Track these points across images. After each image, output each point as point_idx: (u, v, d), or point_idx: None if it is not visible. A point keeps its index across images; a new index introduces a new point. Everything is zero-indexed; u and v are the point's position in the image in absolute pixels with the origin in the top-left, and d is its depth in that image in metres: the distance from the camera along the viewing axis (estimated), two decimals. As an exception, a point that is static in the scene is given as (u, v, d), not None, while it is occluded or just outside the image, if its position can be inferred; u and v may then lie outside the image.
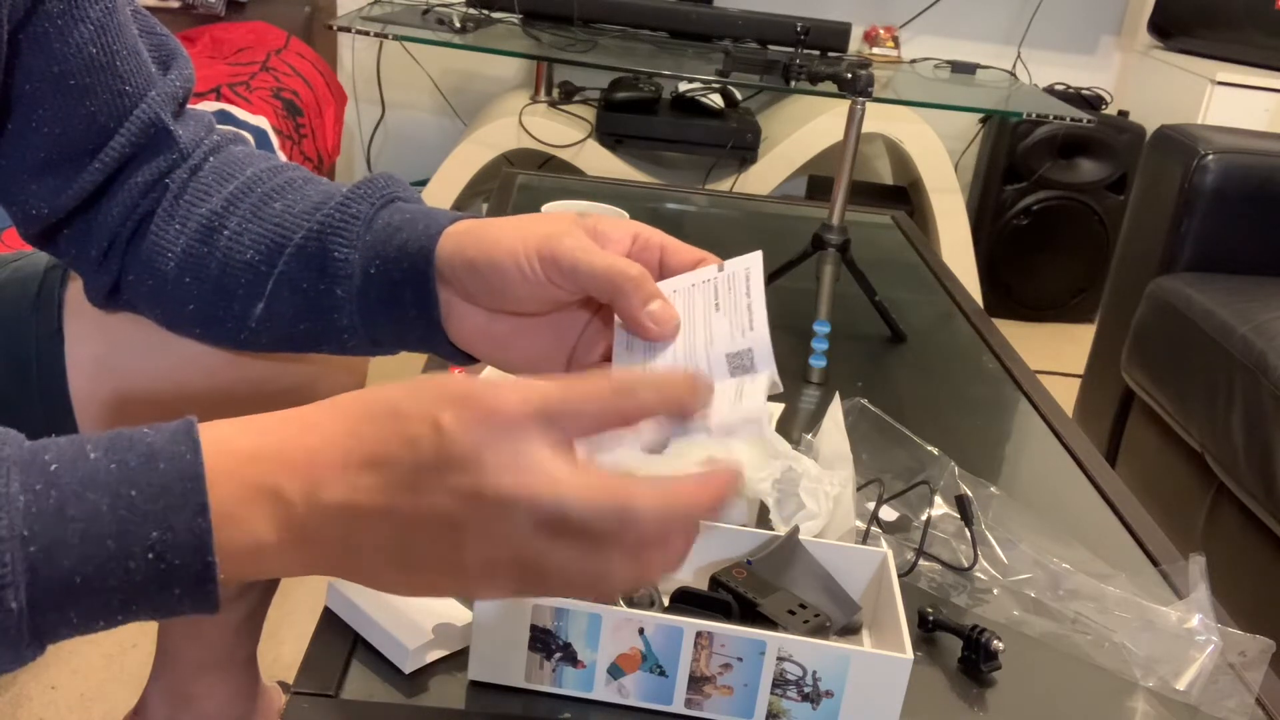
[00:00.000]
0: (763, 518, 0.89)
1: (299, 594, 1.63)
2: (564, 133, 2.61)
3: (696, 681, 0.70)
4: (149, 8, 1.54)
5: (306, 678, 0.71)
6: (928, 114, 2.72)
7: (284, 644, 1.55)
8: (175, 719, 1.09)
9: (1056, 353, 2.85)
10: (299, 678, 0.71)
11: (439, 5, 2.66)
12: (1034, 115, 2.64)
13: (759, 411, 0.54)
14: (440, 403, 0.49)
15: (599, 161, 2.63)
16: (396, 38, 2.47)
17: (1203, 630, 0.84)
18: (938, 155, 2.72)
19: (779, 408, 1.11)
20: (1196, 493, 1.70)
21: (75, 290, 0.85)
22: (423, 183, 2.71)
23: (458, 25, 2.51)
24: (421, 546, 0.50)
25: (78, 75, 0.70)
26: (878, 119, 2.64)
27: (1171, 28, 2.90)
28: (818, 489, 0.88)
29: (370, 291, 0.67)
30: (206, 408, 0.87)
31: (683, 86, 2.76)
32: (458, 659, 0.74)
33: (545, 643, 0.70)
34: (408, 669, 0.72)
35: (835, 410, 1.01)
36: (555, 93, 2.79)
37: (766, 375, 0.57)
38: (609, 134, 2.66)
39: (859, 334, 1.38)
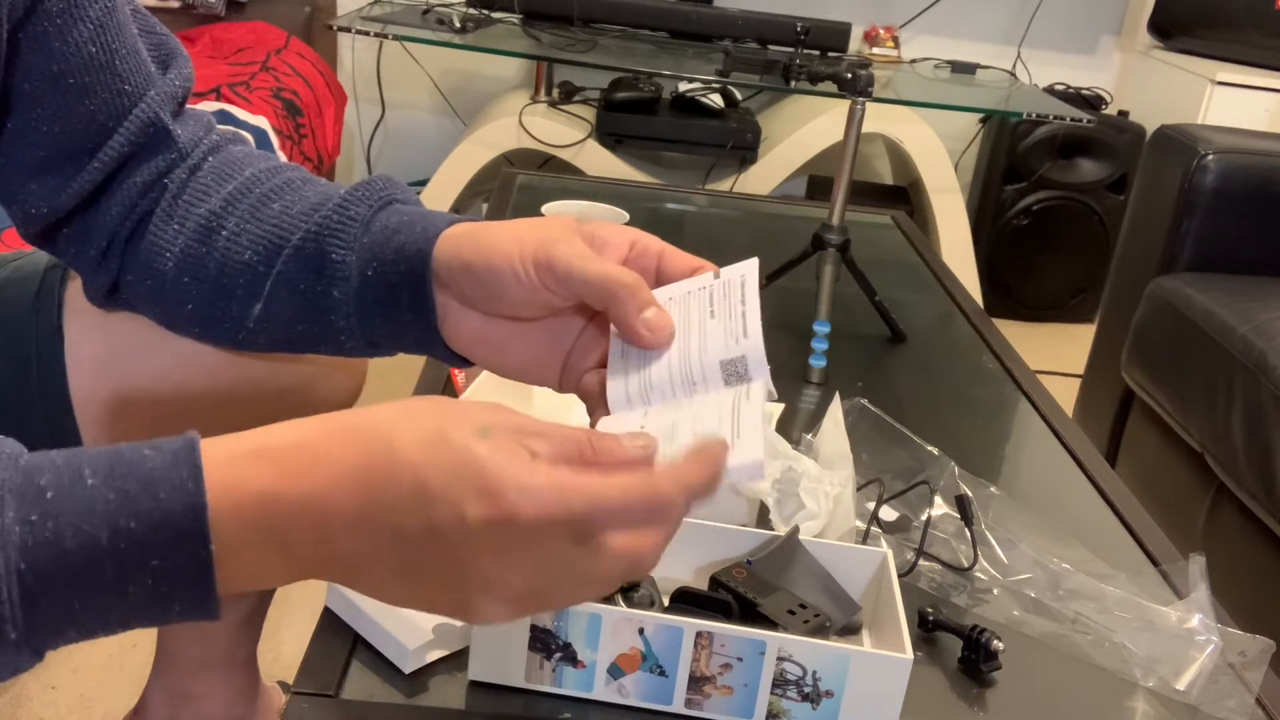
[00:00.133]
0: (763, 518, 0.89)
1: (299, 594, 1.63)
2: (564, 133, 2.61)
3: (696, 681, 0.70)
4: (149, 7, 1.54)
5: (306, 678, 0.71)
6: (928, 114, 2.71)
7: (284, 644, 1.55)
8: (175, 719, 1.09)
9: (1056, 353, 2.85)
10: (299, 678, 0.71)
11: (439, 5, 2.66)
12: (1034, 115, 2.64)
13: (758, 455, 0.54)
14: (469, 494, 0.48)
15: (599, 161, 2.63)
16: (396, 38, 2.47)
17: (1203, 630, 0.84)
18: (938, 155, 2.72)
19: (779, 407, 1.11)
20: (1196, 493, 1.70)
21: (75, 290, 0.85)
22: (423, 183, 2.71)
23: (458, 25, 2.51)
24: (429, 583, 0.51)
25: (77, 74, 0.70)
26: (878, 119, 2.64)
27: (1171, 28, 2.90)
28: (818, 489, 0.88)
29: (367, 294, 0.67)
30: (206, 407, 0.87)
31: (683, 86, 2.76)
32: (458, 659, 0.74)
33: (545, 643, 0.70)
34: (408, 669, 0.72)
35: (835, 410, 1.01)
36: (555, 93, 2.79)
37: (761, 392, 0.57)
38: (609, 134, 2.66)
39: (859, 334, 1.38)
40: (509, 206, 1.74)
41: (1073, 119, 2.50)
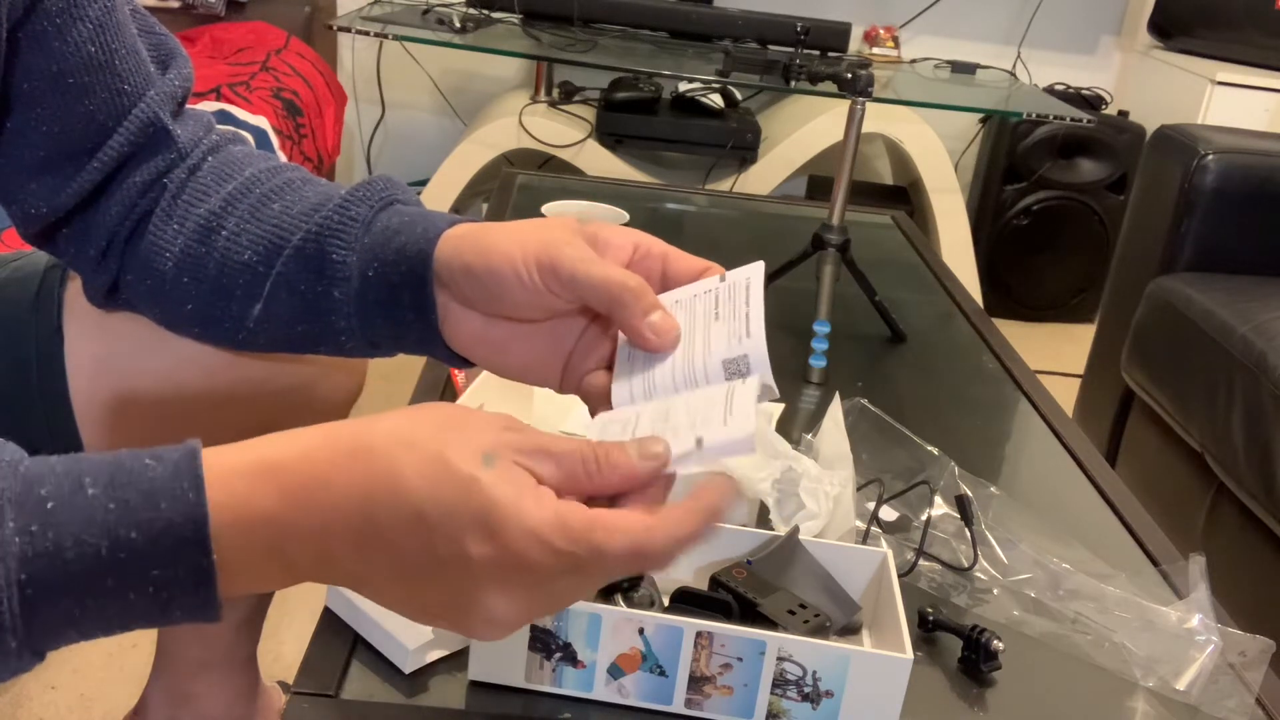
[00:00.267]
0: (763, 518, 0.89)
1: (299, 594, 1.63)
2: (564, 133, 2.61)
3: (696, 681, 0.70)
4: (149, 7, 1.54)
5: (306, 678, 0.71)
6: (928, 114, 2.71)
7: (284, 644, 1.55)
8: (175, 718, 1.09)
9: (1056, 353, 2.85)
10: (299, 678, 0.71)
11: (439, 5, 2.66)
12: (1034, 115, 2.64)
13: (749, 429, 0.54)
14: (472, 530, 0.48)
15: (599, 161, 2.63)
16: (396, 38, 2.47)
17: (1203, 630, 0.84)
18: (938, 155, 2.72)
19: (779, 408, 1.11)
20: (1196, 493, 1.70)
21: (75, 290, 0.85)
22: (423, 183, 2.71)
23: (458, 25, 2.51)
24: (430, 603, 0.51)
25: (76, 74, 0.70)
26: (878, 119, 2.64)
27: (1171, 28, 2.90)
28: (818, 489, 0.88)
29: (368, 294, 0.67)
30: (206, 408, 0.87)
31: (683, 86, 2.76)
32: (458, 659, 0.74)
33: (545, 643, 0.70)
34: (408, 669, 0.72)
35: (835, 410, 1.01)
36: (555, 93, 2.79)
37: (756, 380, 0.57)
38: (609, 134, 2.66)
39: (859, 334, 1.38)
40: (509, 206, 1.74)
41: (1073, 119, 2.50)
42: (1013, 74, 3.01)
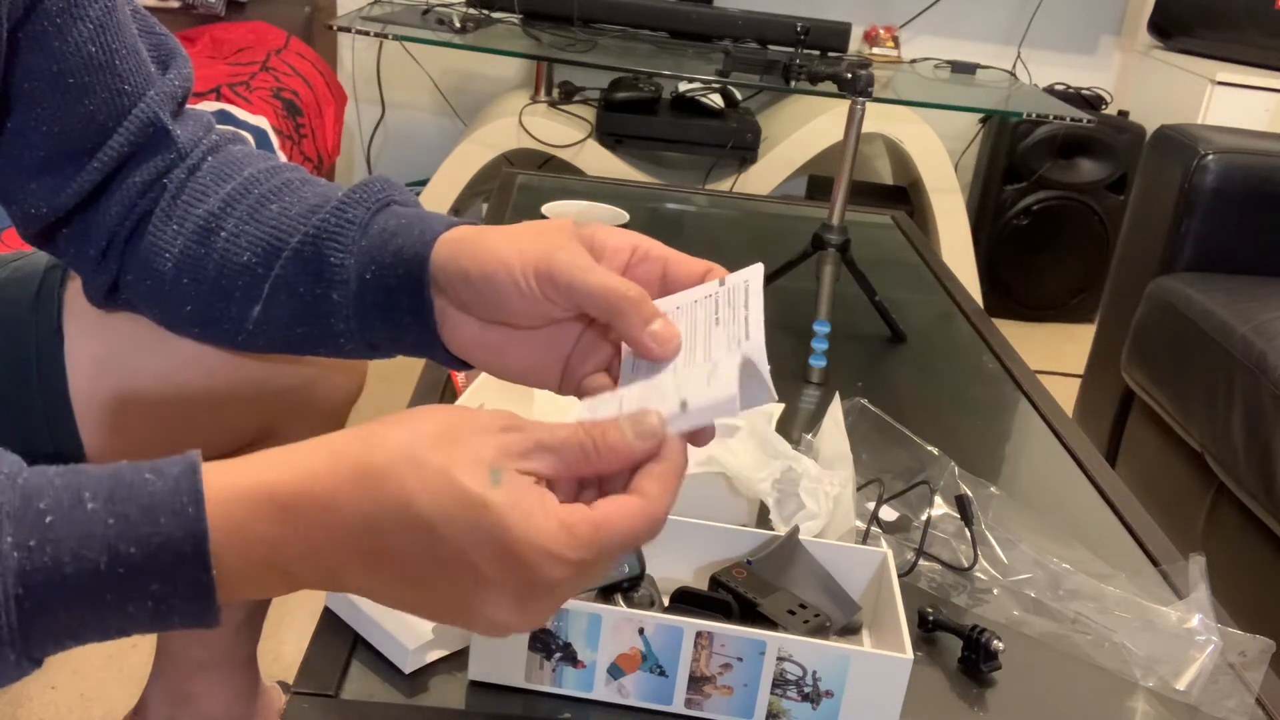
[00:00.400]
0: (763, 518, 0.89)
1: (299, 594, 1.62)
2: (564, 133, 2.61)
3: (696, 681, 0.70)
4: (149, 8, 1.54)
5: (306, 678, 0.71)
6: (928, 114, 2.71)
7: (284, 644, 1.55)
8: (175, 718, 1.09)
9: (1056, 353, 2.85)
10: (299, 678, 0.71)
11: (439, 5, 2.66)
12: (1034, 115, 2.64)
13: (731, 389, 0.54)
14: (486, 553, 0.49)
15: (599, 161, 2.63)
16: (396, 38, 2.47)
17: (1203, 630, 0.84)
18: (938, 155, 2.72)
19: (779, 408, 1.11)
20: (1196, 493, 1.70)
21: (75, 290, 0.85)
22: (423, 183, 2.71)
23: (458, 25, 2.51)
24: (438, 610, 0.52)
25: (77, 74, 0.70)
26: (878, 119, 2.64)
27: (1171, 28, 2.90)
28: (818, 489, 0.88)
29: (366, 297, 0.67)
30: (206, 408, 0.87)
31: (683, 86, 2.76)
32: (458, 659, 0.74)
33: (545, 643, 0.70)
34: (408, 669, 0.72)
35: (835, 410, 1.01)
36: (555, 93, 2.79)
37: (739, 356, 0.57)
38: (609, 134, 2.66)
39: (859, 334, 1.38)
40: (509, 206, 1.74)
41: (1073, 119, 2.50)
42: (1013, 74, 3.01)
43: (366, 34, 2.43)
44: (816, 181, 3.04)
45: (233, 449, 0.93)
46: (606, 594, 0.76)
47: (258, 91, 2.21)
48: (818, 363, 1.24)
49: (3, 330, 0.84)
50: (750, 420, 0.92)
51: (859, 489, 0.95)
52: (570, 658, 0.70)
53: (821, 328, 1.24)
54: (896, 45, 2.98)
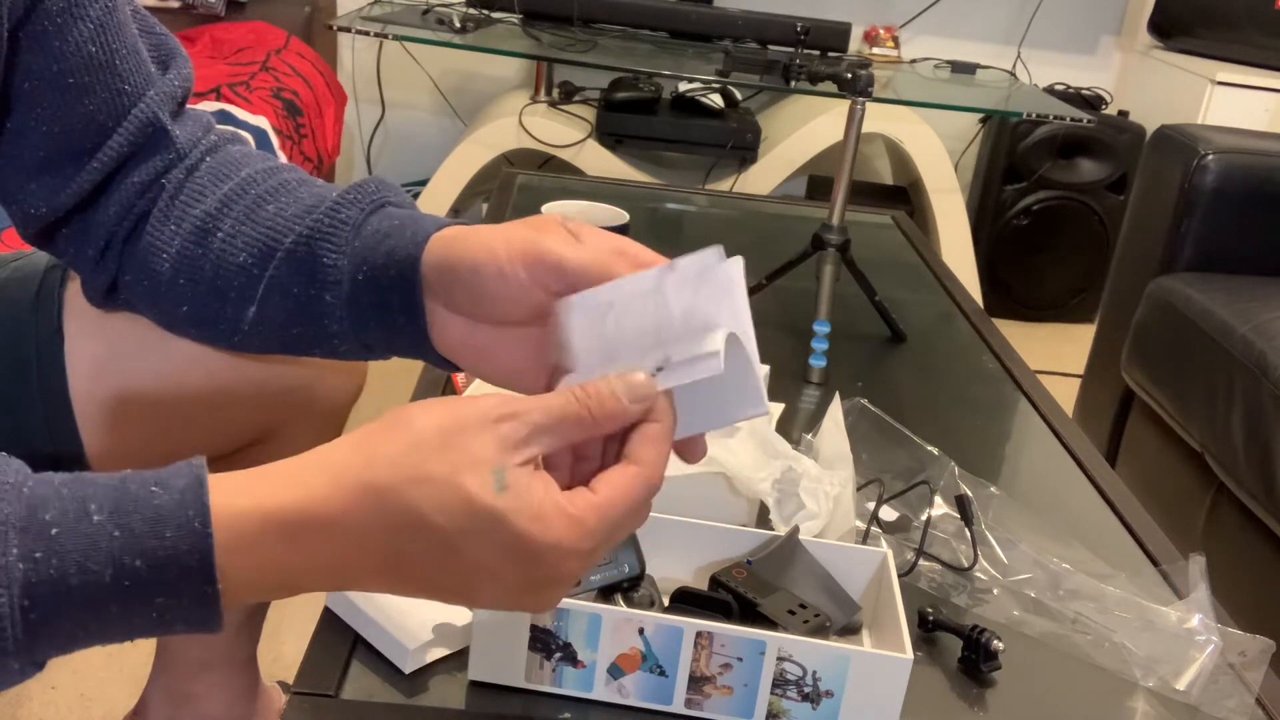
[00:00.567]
0: (763, 518, 0.89)
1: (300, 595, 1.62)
2: (564, 133, 2.61)
3: (696, 681, 0.70)
4: (149, 8, 1.54)
5: (306, 678, 0.71)
6: (928, 114, 2.71)
7: (284, 644, 1.55)
8: (175, 718, 1.09)
9: (1056, 353, 2.85)
10: (299, 678, 0.71)
11: (439, 5, 2.66)
12: (1034, 115, 2.64)
13: (716, 344, 0.54)
14: (505, 558, 0.50)
15: (599, 161, 2.63)
16: (396, 38, 2.47)
17: (1203, 630, 0.84)
18: (938, 155, 2.72)
19: (779, 407, 1.11)
20: (1196, 493, 1.70)
21: (75, 290, 0.85)
22: (423, 183, 2.71)
23: (458, 25, 2.51)
24: (457, 599, 0.54)
25: (77, 74, 0.70)
26: (878, 119, 2.64)
27: (1171, 28, 2.90)
28: (818, 489, 0.88)
29: (359, 298, 0.67)
30: (207, 408, 0.87)
31: (683, 86, 2.76)
32: (458, 659, 0.74)
33: (545, 643, 0.70)
34: (408, 669, 0.72)
35: (835, 410, 1.01)
36: (555, 93, 2.79)
37: (723, 330, 0.56)
38: (609, 134, 2.66)
39: (859, 334, 1.38)
40: (509, 206, 1.74)
41: (1073, 119, 2.50)
42: (1013, 74, 3.01)
43: (366, 34, 2.43)
44: (816, 181, 3.04)
45: (233, 449, 0.93)
46: (606, 594, 0.76)
47: (258, 91, 2.21)
48: (818, 363, 1.24)
49: (3, 330, 0.84)
50: (750, 420, 0.91)
51: (859, 489, 0.95)
52: (570, 658, 0.70)
53: (821, 328, 1.24)
54: (896, 45, 2.98)
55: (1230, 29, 2.78)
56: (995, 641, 0.79)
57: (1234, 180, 1.82)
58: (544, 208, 1.35)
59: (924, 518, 0.95)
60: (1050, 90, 3.02)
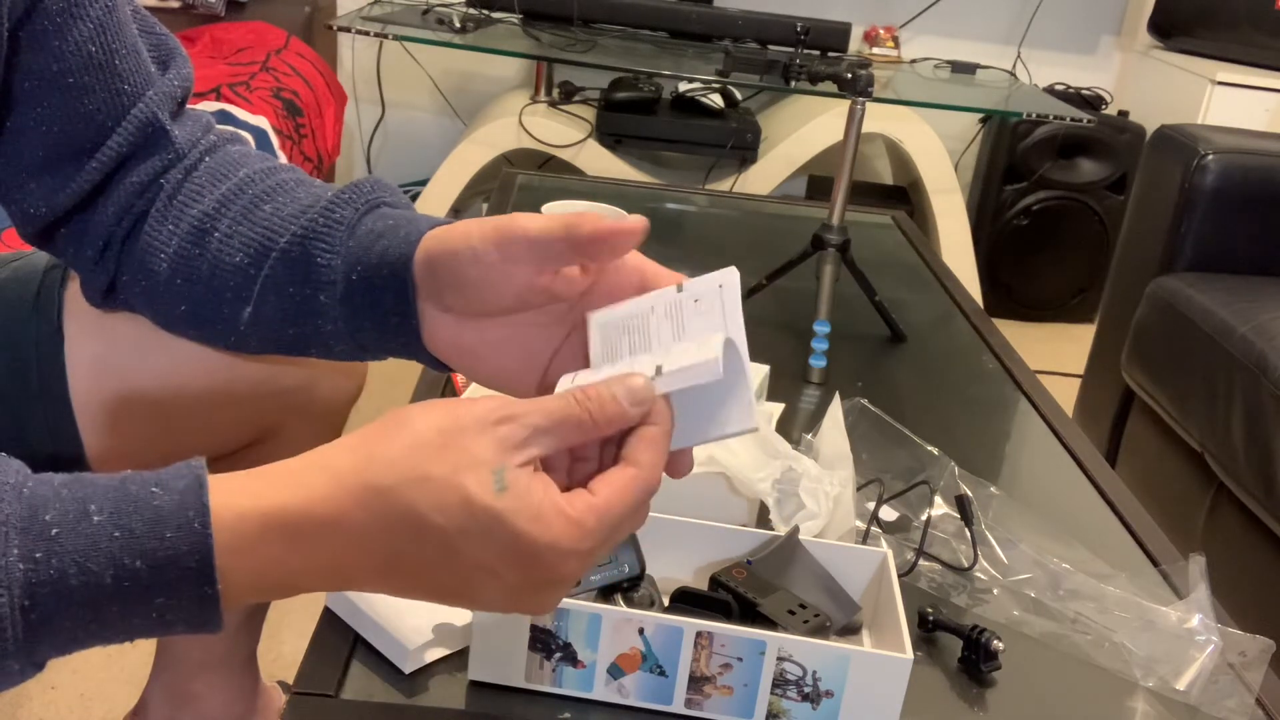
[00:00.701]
0: (763, 518, 0.89)
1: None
2: (564, 133, 2.61)
3: (696, 681, 0.70)
4: (149, 7, 1.54)
5: (306, 678, 0.71)
6: (928, 114, 2.71)
7: (284, 644, 1.55)
8: (175, 718, 1.09)
9: (1056, 353, 2.85)
10: (299, 678, 0.71)
11: (439, 5, 2.66)
12: (1034, 115, 2.64)
13: (714, 351, 0.55)
14: (505, 560, 0.50)
15: (599, 161, 2.63)
16: (396, 38, 2.47)
17: (1203, 630, 0.84)
18: (938, 155, 2.72)
19: (779, 407, 1.11)
20: (1196, 493, 1.70)
21: (75, 290, 0.85)
22: (423, 183, 2.71)
23: (458, 25, 2.51)
24: (458, 601, 0.54)
25: (77, 74, 0.70)
26: (878, 119, 2.64)
27: (1171, 28, 2.90)
28: (818, 489, 0.88)
29: (353, 298, 0.66)
30: (206, 407, 0.87)
31: (683, 86, 2.76)
32: (458, 659, 0.74)
33: (545, 643, 0.70)
34: (408, 669, 0.72)
35: (835, 410, 1.01)
36: (555, 93, 2.79)
37: (721, 336, 0.56)
38: (609, 134, 2.66)
39: (859, 334, 1.38)
40: (509, 206, 1.74)
41: (1073, 119, 2.50)
42: (1013, 74, 3.01)
43: (366, 34, 2.43)
44: (816, 181, 3.04)
45: (233, 449, 0.93)
46: (606, 594, 0.76)
47: (258, 91, 2.21)
48: (818, 363, 1.24)
49: (3, 330, 0.84)
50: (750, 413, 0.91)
51: (859, 489, 0.95)
52: (570, 658, 0.70)
53: (821, 328, 1.24)
54: (896, 45, 2.98)
55: (1230, 29, 2.78)
56: (995, 641, 0.79)
57: (1234, 180, 1.82)
58: (544, 208, 1.35)
59: (924, 518, 0.95)
60: (1050, 90, 3.02)
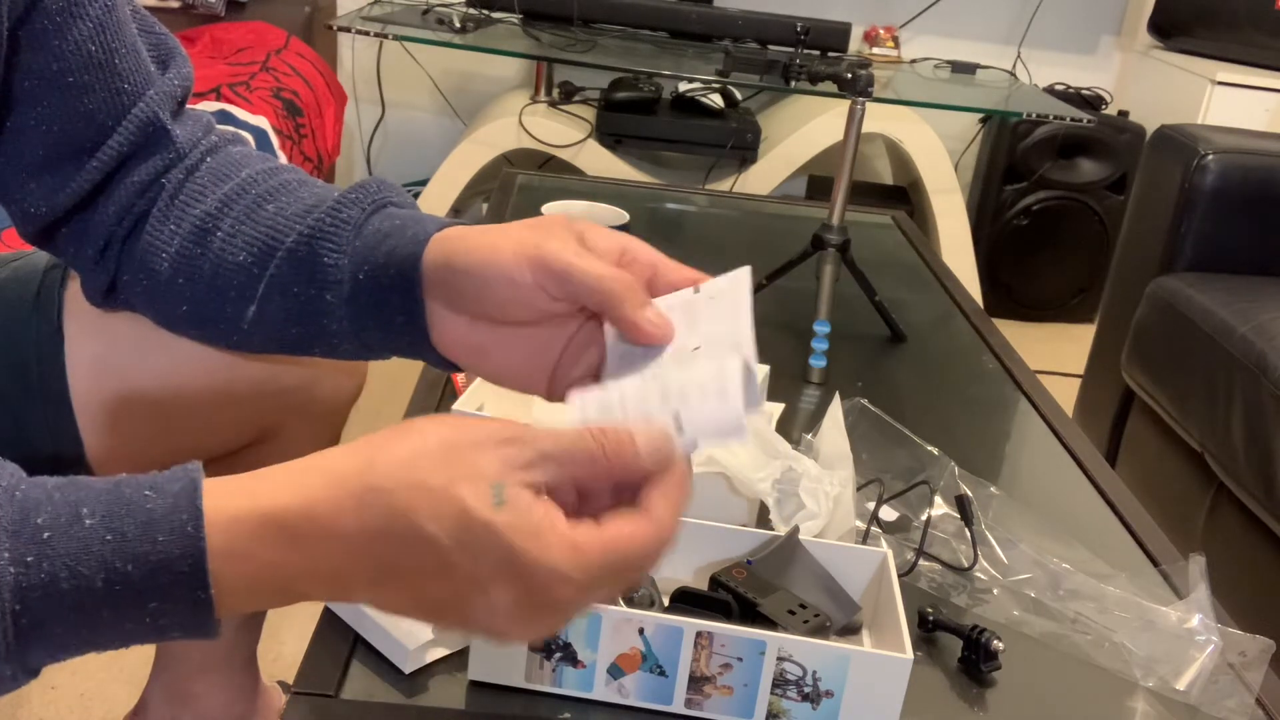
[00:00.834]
0: (763, 518, 0.89)
1: (299, 594, 1.62)
2: (564, 133, 2.61)
3: (696, 681, 0.70)
4: (149, 7, 1.54)
5: (306, 678, 0.71)
6: (928, 114, 2.71)
7: (284, 644, 1.55)
8: (175, 718, 1.09)
9: (1056, 353, 2.85)
10: (299, 678, 0.71)
11: (439, 5, 2.66)
12: (1034, 115, 2.64)
13: (736, 408, 0.53)
14: (498, 576, 0.48)
15: (599, 161, 2.63)
16: (396, 38, 2.47)
17: (1203, 630, 0.84)
18: (938, 155, 2.72)
19: (779, 407, 1.11)
20: (1196, 493, 1.70)
21: (75, 290, 0.85)
22: (423, 183, 2.71)
23: (458, 25, 2.51)
24: (451, 620, 0.52)
25: (76, 73, 0.70)
26: (878, 119, 2.64)
27: (1171, 28, 2.90)
28: (818, 489, 0.88)
29: (359, 297, 0.67)
30: (207, 407, 0.87)
31: (683, 86, 2.76)
32: (458, 659, 0.74)
33: (545, 643, 0.70)
34: (408, 669, 0.72)
35: (835, 410, 1.01)
36: (555, 93, 2.79)
37: (740, 362, 0.56)
38: (609, 134, 2.66)
39: (859, 334, 1.38)
40: (509, 206, 1.74)
41: (1073, 119, 2.50)
42: (1013, 74, 3.01)
43: (366, 34, 2.43)
44: (816, 181, 3.04)
45: (233, 449, 0.93)
46: (606, 594, 0.76)
47: (258, 91, 2.21)
48: (818, 363, 1.24)
49: (3, 330, 0.84)
50: (750, 420, 0.91)
51: (859, 489, 0.95)
52: (570, 658, 0.70)
53: (821, 328, 1.24)
54: (896, 45, 2.98)
55: (1230, 29, 2.78)
56: (995, 641, 0.79)
57: (1234, 180, 1.82)
58: (544, 208, 1.35)
59: (924, 518, 0.95)
60: (1050, 90, 3.02)
